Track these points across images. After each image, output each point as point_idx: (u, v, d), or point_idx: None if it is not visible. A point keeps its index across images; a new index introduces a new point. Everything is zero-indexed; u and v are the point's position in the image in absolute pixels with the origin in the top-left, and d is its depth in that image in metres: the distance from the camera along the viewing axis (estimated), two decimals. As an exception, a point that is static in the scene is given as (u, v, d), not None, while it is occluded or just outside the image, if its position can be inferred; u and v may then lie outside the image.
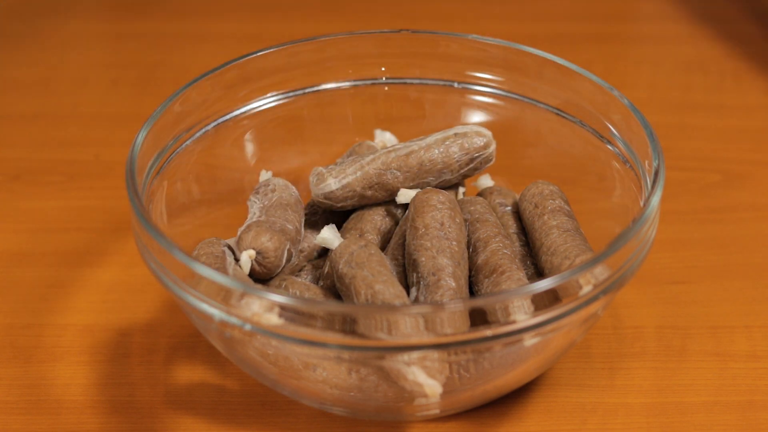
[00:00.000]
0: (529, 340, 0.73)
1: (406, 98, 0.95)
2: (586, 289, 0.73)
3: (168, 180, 0.87)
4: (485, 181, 0.92)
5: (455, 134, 0.87)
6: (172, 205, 0.87)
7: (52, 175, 1.05)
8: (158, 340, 0.88)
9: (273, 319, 0.72)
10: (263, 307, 0.72)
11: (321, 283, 0.85)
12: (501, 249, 0.82)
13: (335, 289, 0.83)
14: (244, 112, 0.92)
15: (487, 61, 0.92)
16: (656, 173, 0.79)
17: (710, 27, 1.25)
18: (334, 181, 0.86)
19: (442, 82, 0.92)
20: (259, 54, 0.91)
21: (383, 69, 0.94)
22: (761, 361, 0.85)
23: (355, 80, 0.94)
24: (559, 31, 1.24)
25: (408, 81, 0.94)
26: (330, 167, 0.87)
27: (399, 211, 0.89)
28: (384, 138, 0.94)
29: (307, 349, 0.72)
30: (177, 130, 0.87)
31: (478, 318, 0.71)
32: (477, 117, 0.94)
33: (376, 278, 0.78)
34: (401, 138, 0.94)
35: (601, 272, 0.74)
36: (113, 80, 1.17)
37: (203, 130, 0.90)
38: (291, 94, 0.93)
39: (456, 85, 0.93)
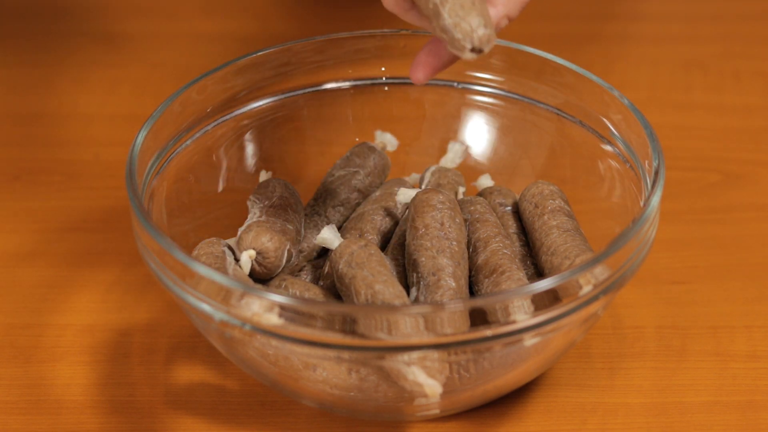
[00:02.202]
0: (529, 340, 0.73)
1: (406, 98, 0.95)
2: (586, 289, 0.73)
3: (168, 180, 0.87)
4: (485, 181, 0.92)
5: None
6: (172, 205, 0.87)
7: (52, 175, 1.05)
8: (158, 340, 0.88)
9: (273, 319, 0.72)
10: (263, 307, 0.72)
11: (321, 283, 0.85)
12: (501, 249, 0.82)
13: (335, 289, 0.83)
14: (244, 112, 0.92)
15: (488, 61, 0.92)
16: (656, 173, 0.79)
17: (710, 27, 1.25)
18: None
19: (442, 82, 0.92)
20: (259, 54, 0.91)
21: (383, 69, 0.94)
22: (761, 361, 0.85)
23: (355, 80, 0.94)
24: (559, 31, 1.24)
25: (408, 81, 0.94)
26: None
27: (399, 211, 0.89)
28: (384, 139, 0.94)
29: (307, 349, 0.72)
30: (177, 130, 0.87)
31: (478, 318, 0.71)
32: (477, 117, 0.94)
33: (376, 278, 0.78)
34: (401, 138, 0.94)
35: (601, 272, 0.74)
36: (113, 80, 1.17)
37: (203, 130, 0.90)
38: (291, 94, 0.93)
39: (456, 85, 0.93)
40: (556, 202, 0.85)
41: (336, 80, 0.94)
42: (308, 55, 0.93)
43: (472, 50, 0.72)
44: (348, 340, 0.71)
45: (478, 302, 0.71)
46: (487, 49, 0.72)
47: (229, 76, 0.90)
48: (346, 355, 0.72)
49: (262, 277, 0.84)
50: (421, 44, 0.90)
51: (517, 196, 0.89)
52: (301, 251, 0.87)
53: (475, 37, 0.72)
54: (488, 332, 0.71)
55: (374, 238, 0.87)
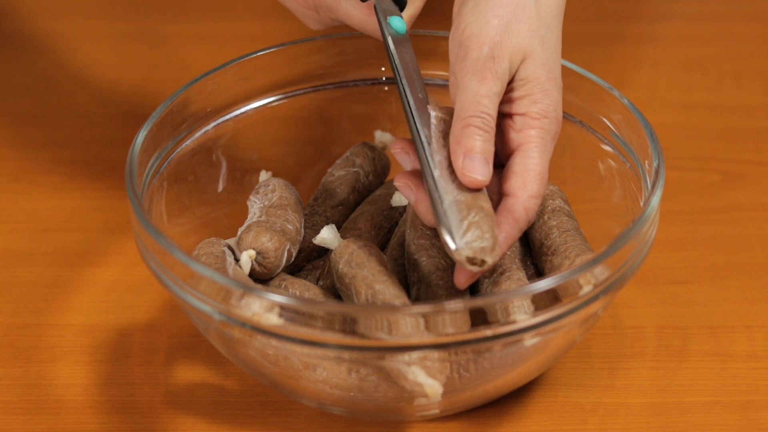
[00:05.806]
0: (529, 340, 0.73)
1: (406, 98, 0.95)
2: (586, 289, 0.73)
3: (168, 180, 0.87)
4: (485, 181, 0.92)
5: None
6: (172, 205, 0.87)
7: (52, 175, 1.05)
8: (158, 340, 0.88)
9: (273, 319, 0.72)
10: (263, 307, 0.72)
11: (321, 283, 0.85)
12: (501, 249, 0.82)
13: (335, 289, 0.83)
14: (244, 112, 0.92)
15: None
16: (656, 173, 0.79)
17: (710, 27, 1.25)
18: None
19: (442, 82, 0.92)
20: (259, 54, 0.91)
21: (383, 69, 0.94)
22: (761, 361, 0.85)
23: (355, 80, 0.94)
24: (559, 31, 1.24)
25: (408, 81, 0.93)
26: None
27: (399, 211, 0.89)
28: (384, 139, 0.94)
29: (307, 349, 0.72)
30: (177, 130, 0.87)
31: (478, 318, 0.71)
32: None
33: (376, 278, 0.78)
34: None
35: (601, 272, 0.74)
36: (113, 80, 1.17)
37: (203, 130, 0.90)
38: (291, 94, 0.93)
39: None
40: (556, 202, 0.85)
41: (336, 80, 0.94)
42: (308, 55, 0.93)
43: (472, 262, 0.72)
44: (348, 340, 0.71)
45: (478, 302, 0.71)
46: (489, 260, 0.72)
47: (229, 76, 0.90)
48: (346, 355, 0.72)
49: (262, 277, 0.84)
50: (420, 44, 0.91)
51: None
52: (300, 251, 0.87)
53: (468, 248, 0.71)
54: (488, 332, 0.71)
55: (374, 238, 0.87)
